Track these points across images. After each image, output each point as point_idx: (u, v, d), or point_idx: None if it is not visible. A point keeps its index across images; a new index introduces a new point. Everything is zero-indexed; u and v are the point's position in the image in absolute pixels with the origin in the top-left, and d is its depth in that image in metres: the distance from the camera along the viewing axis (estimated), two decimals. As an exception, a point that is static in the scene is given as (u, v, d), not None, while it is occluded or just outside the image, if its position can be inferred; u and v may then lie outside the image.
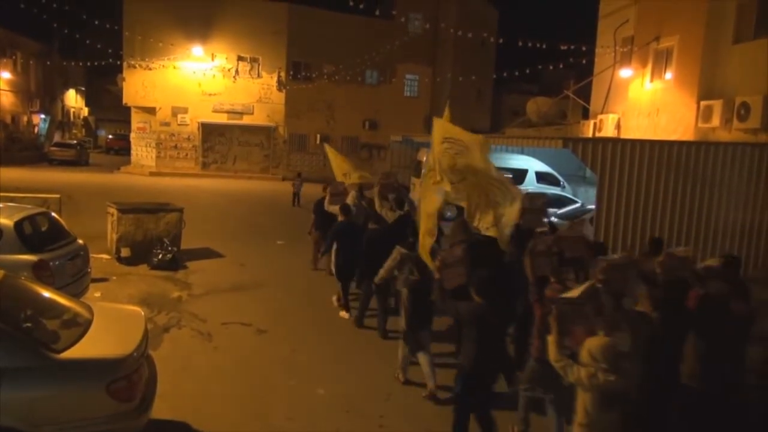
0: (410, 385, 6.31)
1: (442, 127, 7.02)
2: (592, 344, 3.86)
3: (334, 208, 9.05)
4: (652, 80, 15.57)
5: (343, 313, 8.52)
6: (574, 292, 4.48)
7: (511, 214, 6.55)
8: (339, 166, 11.27)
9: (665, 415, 4.44)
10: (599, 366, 3.75)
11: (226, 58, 31.65)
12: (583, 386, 3.86)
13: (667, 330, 4.45)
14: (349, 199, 9.46)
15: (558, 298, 4.54)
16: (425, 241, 6.45)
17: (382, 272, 6.95)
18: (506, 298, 5.36)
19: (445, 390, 6.04)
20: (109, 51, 27.10)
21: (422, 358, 6.25)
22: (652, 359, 4.36)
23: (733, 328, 4.71)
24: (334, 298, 8.95)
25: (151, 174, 29.92)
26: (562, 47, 17.59)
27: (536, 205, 7.76)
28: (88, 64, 29.78)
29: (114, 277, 9.75)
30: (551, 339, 4.15)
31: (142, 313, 5.26)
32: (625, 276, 5.15)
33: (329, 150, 12.00)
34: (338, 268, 8.52)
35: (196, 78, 31.33)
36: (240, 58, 31.89)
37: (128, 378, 4.24)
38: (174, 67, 31.02)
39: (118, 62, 30.11)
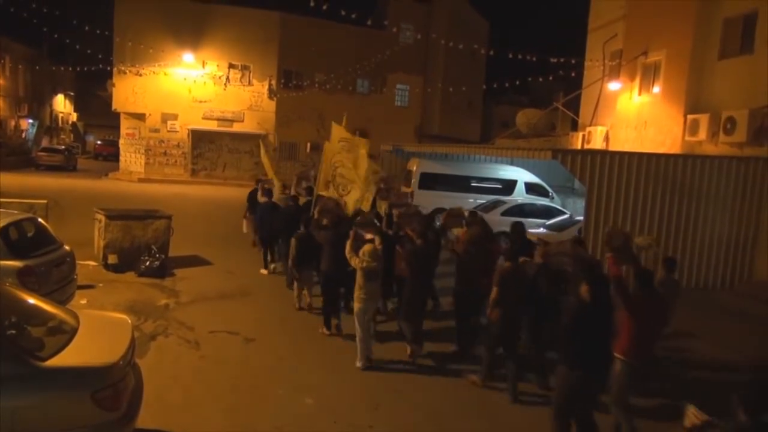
0: (396, 395, 6.30)
1: (339, 130, 10.24)
2: (365, 248, 7.04)
3: (264, 199, 11.71)
4: (640, 93, 15.76)
5: (263, 270, 11.31)
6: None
7: (365, 193, 9.96)
8: (266, 167, 13.88)
9: (425, 298, 7.96)
10: (365, 258, 6.92)
11: (217, 66, 31.63)
12: (357, 268, 7.01)
13: (424, 250, 7.63)
14: (276, 189, 12.45)
15: (357, 222, 8.26)
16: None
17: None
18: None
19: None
20: (99, 56, 26.96)
21: (305, 291, 9.14)
22: (416, 266, 7.52)
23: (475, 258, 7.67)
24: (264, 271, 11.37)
25: (140, 180, 29.73)
26: (552, 60, 17.75)
27: (388, 184, 11.63)
28: (78, 69, 29.66)
29: (100, 284, 9.65)
30: (348, 243, 7.23)
31: (129, 321, 5.19)
32: (412, 220, 8.61)
33: (263, 150, 14.49)
34: (261, 237, 11.48)
35: (187, 85, 31.27)
36: (231, 66, 31.89)
37: (114, 387, 4.18)
38: (164, 74, 30.94)
39: (108, 68, 29.99)
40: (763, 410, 3.31)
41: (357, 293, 7.06)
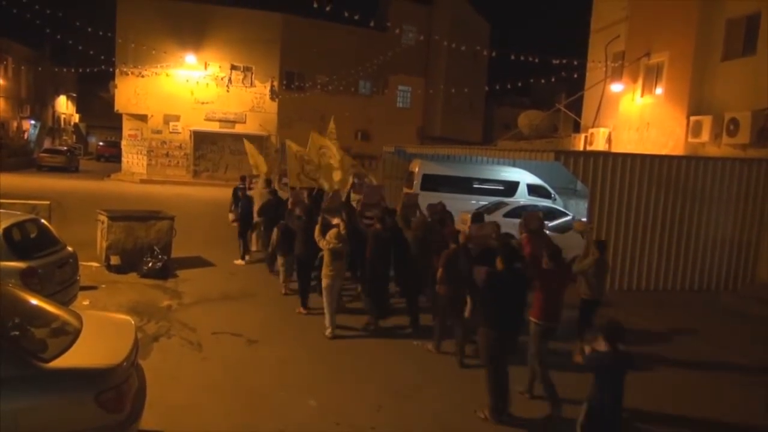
0: (398, 396, 6.29)
1: (319, 140, 12.09)
2: (331, 231, 8.01)
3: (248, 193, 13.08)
4: (642, 95, 15.74)
5: (238, 261, 12.07)
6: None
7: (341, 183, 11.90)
8: (259, 162, 15.13)
9: (386, 278, 8.79)
10: (333, 241, 7.88)
11: (220, 67, 31.66)
12: (325, 249, 7.98)
13: (383, 233, 8.58)
14: (259, 186, 13.68)
15: (324, 209, 9.74)
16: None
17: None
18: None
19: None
20: (101, 58, 26.94)
21: (285, 274, 9.97)
22: (377, 251, 8.47)
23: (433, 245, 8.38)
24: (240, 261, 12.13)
25: (142, 181, 29.77)
26: (554, 61, 17.70)
27: (360, 177, 13.07)
28: (80, 70, 29.62)
29: (103, 285, 9.66)
30: (317, 228, 8.21)
31: (132, 322, 5.18)
32: (373, 206, 11.07)
33: (249, 147, 15.65)
34: (241, 228, 12.31)
35: (189, 86, 31.29)
36: (233, 67, 31.92)
37: (118, 388, 4.17)
38: (167, 75, 30.99)
39: (110, 69, 29.98)
40: (616, 339, 4.61)
41: (325, 271, 8.01)
